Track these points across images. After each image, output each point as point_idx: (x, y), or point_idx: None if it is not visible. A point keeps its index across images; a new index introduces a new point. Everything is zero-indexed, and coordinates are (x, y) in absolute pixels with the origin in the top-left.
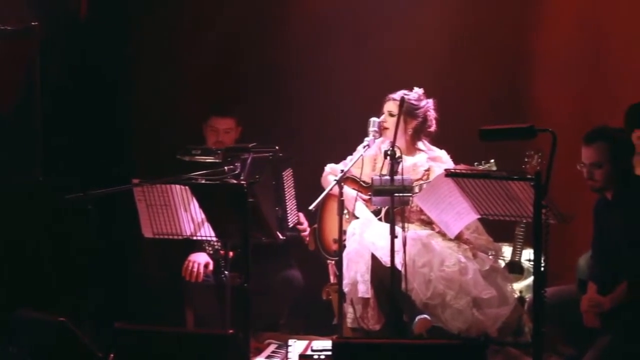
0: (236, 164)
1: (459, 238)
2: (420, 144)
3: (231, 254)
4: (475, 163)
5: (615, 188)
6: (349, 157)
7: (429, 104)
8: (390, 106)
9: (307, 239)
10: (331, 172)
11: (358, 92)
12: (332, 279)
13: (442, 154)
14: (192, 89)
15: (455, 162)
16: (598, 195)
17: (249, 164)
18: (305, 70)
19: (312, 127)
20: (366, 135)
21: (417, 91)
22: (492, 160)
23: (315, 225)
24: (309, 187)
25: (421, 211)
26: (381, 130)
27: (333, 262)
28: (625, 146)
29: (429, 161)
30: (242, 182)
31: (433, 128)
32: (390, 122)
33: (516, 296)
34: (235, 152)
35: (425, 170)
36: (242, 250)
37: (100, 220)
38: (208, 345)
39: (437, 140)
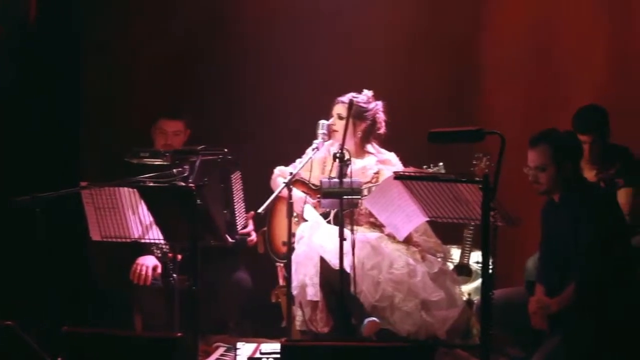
0: (185, 167)
1: (407, 240)
2: (369, 147)
3: (179, 257)
4: (425, 166)
5: (562, 190)
6: (298, 160)
7: (378, 106)
8: (339, 109)
9: (252, 242)
10: (280, 175)
11: (308, 94)
12: (281, 282)
13: (392, 156)
14: (141, 91)
15: (405, 164)
16: (546, 197)
17: (197, 166)
18: (254, 73)
19: (262, 130)
20: (315, 137)
21: (366, 93)
22: (441, 164)
23: (265, 228)
24: (259, 190)
25: (370, 214)
26: (330, 133)
27: (282, 264)
28: (571, 149)
29: (379, 164)
30: (191, 184)
31: (382, 130)
32: (339, 125)
33: (464, 298)
34: (184, 154)
35: (375, 173)
36: (190, 253)
37: (48, 223)
38: (156, 348)
39: (387, 143)
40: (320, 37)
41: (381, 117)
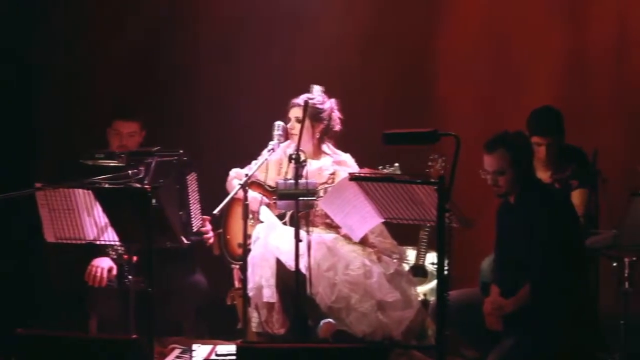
0: (140, 168)
1: (363, 242)
2: (325, 148)
3: (135, 258)
4: (380, 167)
5: (517, 192)
6: (253, 162)
7: (332, 104)
8: (296, 112)
9: (210, 242)
10: (236, 177)
11: (264, 96)
12: (236, 284)
13: (347, 157)
14: (97, 92)
15: (360, 165)
16: (501, 199)
17: (153, 168)
18: (211, 74)
19: (218, 131)
20: (271, 139)
21: (317, 89)
22: (397, 164)
23: (220, 230)
24: (214, 191)
25: (326, 215)
26: (288, 136)
27: (238, 266)
28: (525, 150)
29: (334, 165)
30: (146, 186)
31: (338, 127)
32: (298, 128)
33: (420, 299)
34: (139, 156)
35: (331, 174)
36: (146, 255)
37: (2, 225)
38: (111, 350)
39: (343, 143)
40: (277, 38)
41: (336, 114)
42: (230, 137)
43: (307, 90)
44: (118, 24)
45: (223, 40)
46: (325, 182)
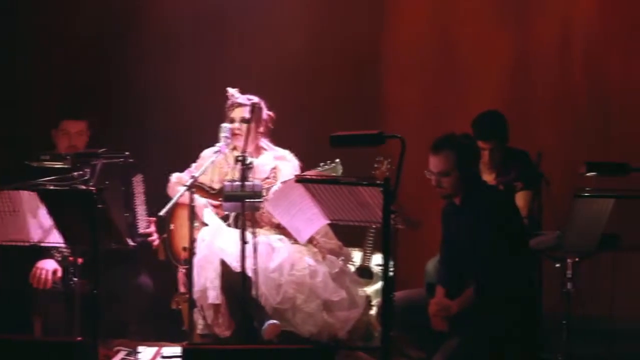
0: (86, 170)
1: (309, 242)
2: (263, 144)
3: (80, 260)
4: (322, 163)
5: (462, 193)
6: (193, 165)
7: (263, 103)
8: (240, 112)
9: (155, 244)
10: (178, 182)
11: (208, 98)
12: (181, 289)
13: (286, 153)
14: (40, 95)
15: (300, 161)
16: (447, 200)
17: (98, 169)
18: (157, 75)
19: (164, 133)
20: (216, 141)
21: (234, 91)
22: (337, 160)
23: (165, 235)
24: (161, 193)
25: (272, 216)
26: (233, 136)
27: (183, 270)
28: (471, 152)
29: (275, 160)
30: (92, 188)
31: (271, 125)
32: (243, 128)
33: (366, 298)
34: (85, 157)
35: (272, 169)
36: (91, 257)
37: None
38: (56, 353)
39: (286, 141)
40: (221, 39)
41: (268, 112)
42: (176, 138)
43: (250, 92)
44: (62, 26)
45: (168, 40)
46: (268, 177)
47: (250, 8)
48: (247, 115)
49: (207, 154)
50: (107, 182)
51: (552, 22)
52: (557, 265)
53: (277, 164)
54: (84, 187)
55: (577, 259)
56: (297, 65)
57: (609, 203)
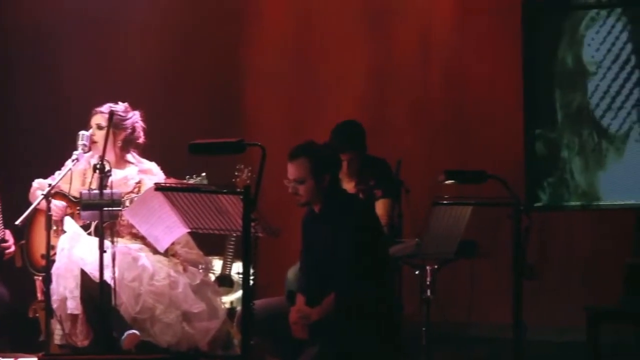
0: None
1: (169, 252)
2: (129, 157)
3: None
4: (187, 177)
5: (322, 202)
6: (57, 172)
7: (136, 115)
8: (98, 119)
9: (9, 254)
10: (39, 187)
11: (68, 106)
12: (39, 296)
13: (153, 166)
14: None
15: (167, 174)
16: (307, 208)
17: None
18: (17, 84)
19: (24, 140)
20: (76, 149)
21: (123, 105)
22: (204, 174)
23: (23, 241)
24: (19, 203)
25: (132, 225)
26: (91, 144)
27: (41, 278)
28: (329, 161)
29: (140, 174)
30: None
31: (142, 139)
32: (100, 136)
33: (227, 308)
34: None
35: (137, 183)
36: None
37: None
38: None
39: (150, 153)
40: (86, 47)
41: (140, 125)
42: (36, 146)
43: (111, 100)
44: None
45: (32, 47)
46: (132, 192)
47: (116, 17)
48: (103, 123)
49: (69, 162)
50: None
51: (412, 30)
52: (417, 272)
53: (142, 177)
54: None
55: (436, 266)
56: (162, 77)
57: (467, 210)
